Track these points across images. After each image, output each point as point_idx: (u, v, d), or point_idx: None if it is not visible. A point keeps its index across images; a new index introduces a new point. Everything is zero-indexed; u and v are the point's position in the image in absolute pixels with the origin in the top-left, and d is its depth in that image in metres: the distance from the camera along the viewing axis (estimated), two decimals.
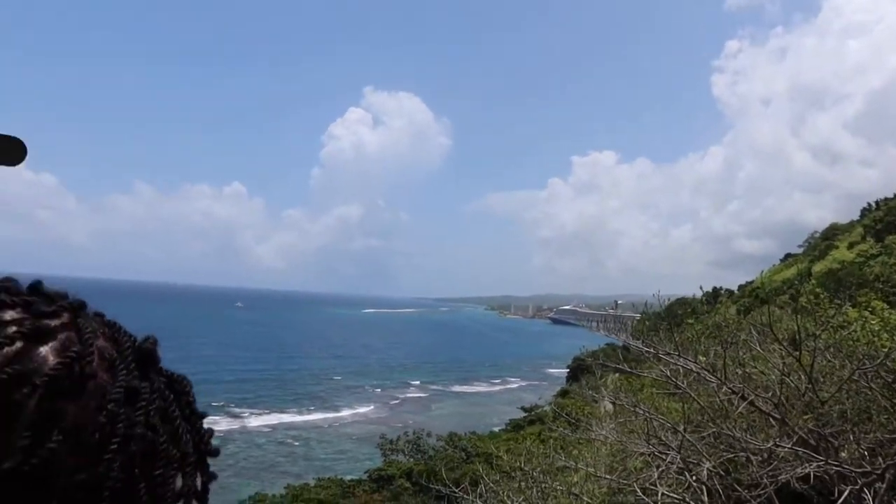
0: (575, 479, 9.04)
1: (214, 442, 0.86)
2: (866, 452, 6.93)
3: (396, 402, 70.24)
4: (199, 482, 0.85)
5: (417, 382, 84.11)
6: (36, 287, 0.81)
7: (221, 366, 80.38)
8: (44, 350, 0.75)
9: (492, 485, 9.13)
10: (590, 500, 8.51)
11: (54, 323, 0.77)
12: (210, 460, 0.85)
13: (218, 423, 52.93)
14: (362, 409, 64.07)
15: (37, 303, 0.78)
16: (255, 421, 55.40)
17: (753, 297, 53.82)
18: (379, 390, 76.14)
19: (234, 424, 53.34)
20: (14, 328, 0.75)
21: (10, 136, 1.14)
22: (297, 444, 49.48)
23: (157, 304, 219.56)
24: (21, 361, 0.73)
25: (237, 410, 58.38)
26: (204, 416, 0.89)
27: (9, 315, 0.76)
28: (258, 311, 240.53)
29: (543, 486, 8.65)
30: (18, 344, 0.74)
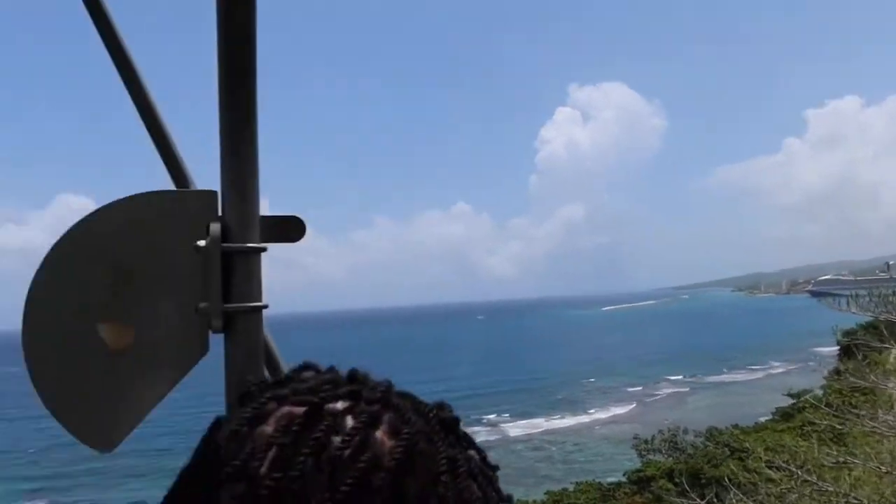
0: (850, 480, 7.97)
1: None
2: None
3: (650, 399, 67.86)
4: None
5: (668, 377, 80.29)
6: (354, 374, 0.88)
7: (474, 380, 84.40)
8: (378, 434, 0.81)
9: (745, 488, 8.49)
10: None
11: (378, 407, 0.84)
12: None
13: (478, 434, 55.72)
14: (616, 410, 62.80)
15: (361, 390, 0.85)
16: (514, 430, 57.07)
17: None
18: (629, 389, 74.11)
19: (494, 434, 55.51)
20: (351, 419, 0.82)
21: (291, 217, 1.30)
22: (554, 448, 50.11)
23: (410, 326, 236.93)
24: (368, 448, 0.79)
25: (495, 419, 60.84)
26: (496, 468, 0.94)
27: (340, 405, 0.83)
28: (499, 321, 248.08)
29: (811, 488, 7.83)
30: (360, 433, 0.80)
